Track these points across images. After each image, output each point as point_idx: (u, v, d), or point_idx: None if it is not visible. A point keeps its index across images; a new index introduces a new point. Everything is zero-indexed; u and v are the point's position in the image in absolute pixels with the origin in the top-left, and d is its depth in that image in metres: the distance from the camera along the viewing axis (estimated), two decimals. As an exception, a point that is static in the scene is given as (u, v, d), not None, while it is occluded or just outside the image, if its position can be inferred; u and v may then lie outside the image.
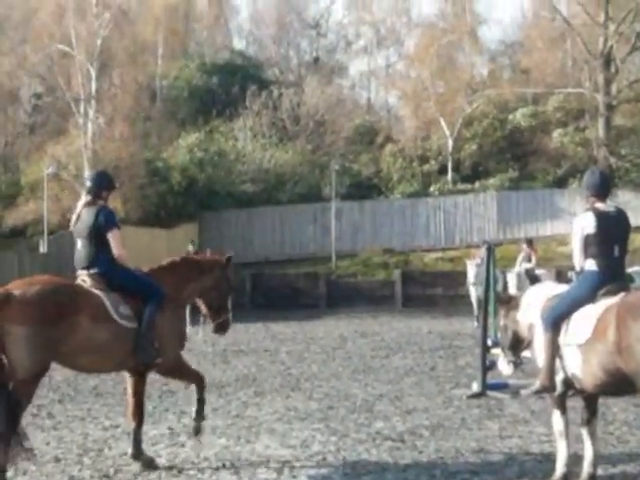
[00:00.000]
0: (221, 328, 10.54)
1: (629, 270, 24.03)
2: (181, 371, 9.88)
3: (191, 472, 9.29)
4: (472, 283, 26.77)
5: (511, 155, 49.37)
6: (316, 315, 32.65)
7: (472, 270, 26.94)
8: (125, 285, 9.30)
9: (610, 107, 46.86)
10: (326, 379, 16.11)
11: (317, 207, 45.37)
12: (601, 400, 9.16)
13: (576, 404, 8.97)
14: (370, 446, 10.45)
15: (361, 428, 11.51)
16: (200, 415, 9.97)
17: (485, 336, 14.24)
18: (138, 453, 9.53)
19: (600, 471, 8.76)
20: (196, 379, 9.99)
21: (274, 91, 50.76)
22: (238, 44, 67.65)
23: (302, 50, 67.80)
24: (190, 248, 27.50)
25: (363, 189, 48.18)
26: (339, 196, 44.09)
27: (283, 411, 12.78)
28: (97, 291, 9.09)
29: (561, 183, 46.18)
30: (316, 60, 65.69)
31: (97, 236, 9.27)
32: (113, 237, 9.28)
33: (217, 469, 9.40)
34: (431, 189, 47.61)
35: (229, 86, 53.21)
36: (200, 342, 22.30)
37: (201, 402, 9.95)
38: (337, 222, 42.77)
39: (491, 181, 47.34)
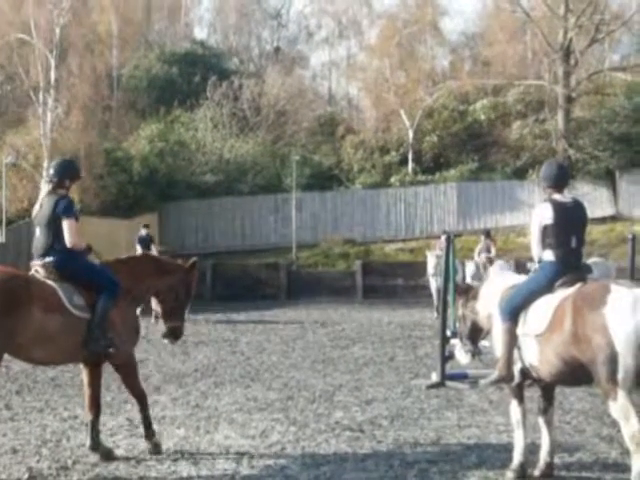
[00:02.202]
0: (172, 334, 10.30)
1: (588, 261, 24.30)
2: (133, 374, 9.72)
3: (149, 463, 9.27)
4: (432, 274, 26.91)
5: (471, 146, 49.55)
6: (276, 306, 32.62)
7: (432, 261, 27.08)
8: (79, 275, 9.22)
9: (569, 99, 47.20)
10: (286, 369, 16.12)
11: (278, 198, 45.32)
12: (558, 390, 9.24)
13: (534, 394, 9.03)
14: (329, 436, 10.47)
15: (320, 418, 11.53)
16: (150, 432, 9.73)
17: (444, 326, 14.30)
18: (96, 444, 9.47)
19: (557, 460, 8.84)
20: (139, 395, 9.76)
21: (235, 81, 50.49)
22: (199, 34, 67.46)
23: (263, 40, 67.75)
24: (143, 232, 27.93)
25: (324, 180, 48.19)
26: (300, 187, 44.04)
27: (242, 401, 12.78)
28: (50, 281, 9.02)
29: (520, 174, 46.40)
30: (277, 50, 65.60)
31: (54, 225, 9.18)
32: (67, 226, 9.15)
33: (176, 460, 9.38)
34: (391, 180, 47.69)
35: (190, 76, 52.92)
36: (159, 334, 22.24)
37: (147, 419, 9.74)
38: (298, 213, 42.74)
39: (451, 172, 47.51)
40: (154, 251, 25.18)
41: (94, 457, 9.38)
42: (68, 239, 9.17)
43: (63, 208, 9.20)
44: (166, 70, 53.41)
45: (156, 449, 9.61)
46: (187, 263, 10.42)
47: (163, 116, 48.31)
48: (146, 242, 27.42)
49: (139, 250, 25.68)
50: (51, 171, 9.58)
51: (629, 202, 45.53)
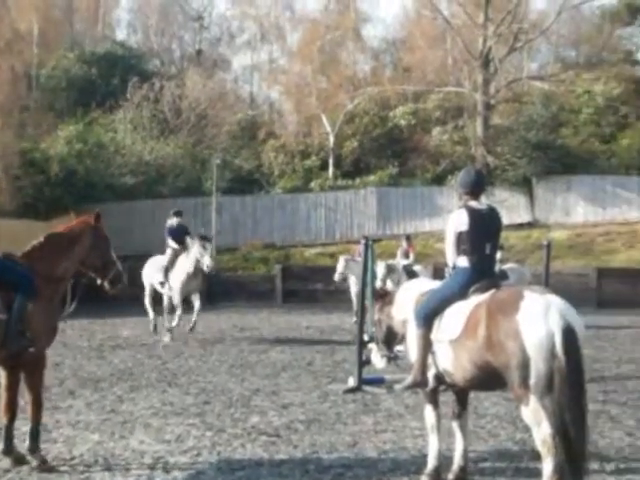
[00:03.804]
0: (116, 281, 10.23)
1: (504, 267, 24.65)
2: (39, 374, 9.39)
3: (62, 468, 9.14)
4: (338, 279, 27.87)
5: (391, 152, 49.87)
6: (195, 309, 32.41)
7: (342, 264, 27.50)
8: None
9: (488, 106, 47.83)
10: (203, 374, 16.03)
11: (198, 201, 45.04)
12: (473, 394, 9.33)
13: (449, 398, 9.10)
14: (245, 441, 10.45)
15: (237, 423, 11.50)
16: (35, 445, 9.26)
17: (362, 331, 14.35)
18: (9, 449, 9.31)
19: (471, 464, 8.92)
20: (37, 397, 9.36)
21: (155, 83, 50.10)
22: (120, 34, 66.85)
23: (185, 42, 67.36)
24: (174, 222, 24.36)
25: (244, 183, 48.14)
26: (220, 190, 43.88)
27: (159, 406, 12.68)
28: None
29: (440, 180, 46.83)
30: (199, 53, 65.31)
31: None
32: None
33: (89, 465, 9.27)
34: (312, 184, 47.81)
35: (109, 77, 52.40)
36: (76, 337, 22.04)
37: (36, 429, 9.29)
38: (218, 216, 42.55)
39: (371, 177, 47.76)
40: (197, 249, 21.61)
41: (7, 462, 9.21)
42: None
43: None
44: (85, 70, 52.82)
45: (42, 466, 9.14)
46: (91, 217, 10.17)
47: (82, 117, 47.71)
48: (181, 233, 22.59)
49: (173, 245, 22.53)
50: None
51: (546, 209, 46.22)
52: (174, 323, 21.84)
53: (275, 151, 50.01)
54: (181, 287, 21.83)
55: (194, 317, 22.03)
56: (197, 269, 21.67)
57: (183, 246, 22.18)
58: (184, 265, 21.84)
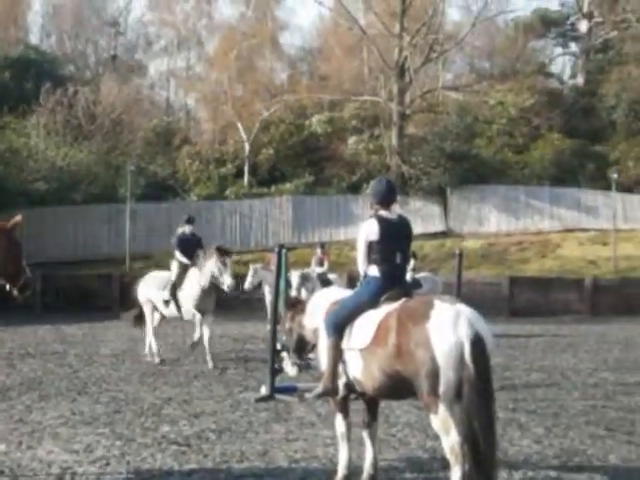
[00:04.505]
0: (25, 288, 10.00)
1: (418, 276, 24.86)
2: None
3: (-34, 480, 8.99)
4: (247, 288, 27.93)
5: (307, 160, 50.06)
6: (109, 317, 32.02)
7: (251, 273, 27.57)
8: None
9: (403, 116, 48.27)
10: (114, 383, 15.85)
11: (112, 208, 44.69)
12: (385, 403, 9.35)
13: (360, 407, 9.12)
14: (155, 450, 10.34)
15: (147, 432, 11.38)
16: None
17: (274, 340, 14.33)
18: None
19: (381, 473, 8.94)
20: None
21: (70, 88, 49.51)
22: (33, 38, 65.91)
23: (100, 47, 66.69)
24: (186, 230, 22.79)
25: (159, 190, 47.89)
26: (134, 197, 43.55)
27: (68, 415, 12.50)
28: None
29: (355, 189, 47.09)
30: (114, 58, 64.74)
31: None
32: None
33: (-5, 476, 9.12)
34: (227, 192, 47.78)
35: (22, 81, 51.66)
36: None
37: None
38: (132, 223, 42.22)
39: (287, 186, 47.87)
40: (214, 264, 18.21)
41: None
42: None
43: None
44: (-3, 74, 52.00)
45: None
46: (6, 222, 9.96)
47: (-7, 121, 46.96)
48: (193, 245, 19.20)
49: (181, 259, 19.09)
50: None
51: (459, 218, 46.80)
52: (195, 338, 19.33)
53: (190, 158, 49.85)
54: (195, 304, 18.48)
55: (206, 347, 18.57)
56: (212, 285, 18.32)
57: (193, 261, 18.86)
58: (196, 278, 18.47)
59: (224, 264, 18.06)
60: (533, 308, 34.25)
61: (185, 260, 18.95)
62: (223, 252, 18.34)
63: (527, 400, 14.07)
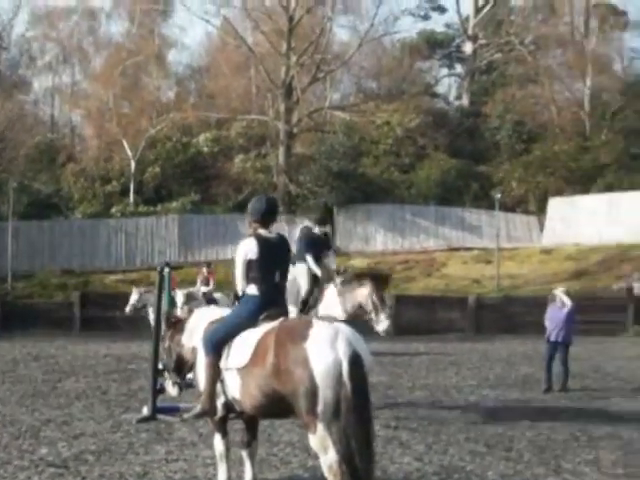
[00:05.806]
0: None
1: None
2: None
3: None
4: (129, 310, 27.82)
5: (193, 179, 49.86)
6: (-11, 338, 31.42)
7: (135, 297, 27.50)
8: None
9: (290, 135, 48.48)
10: (-8, 404, 15.49)
11: (-7, 225, 43.84)
12: (267, 422, 9.31)
13: (241, 426, 9.07)
14: (32, 473, 10.10)
15: (24, 454, 11.12)
16: None
17: (156, 359, 14.17)
18: None
19: (260, 492, 8.92)
20: None
21: (-50, 103, 48.52)
22: None
23: (-18, 63, 65.37)
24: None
25: (42, 208, 47.11)
26: (17, 215, 42.76)
27: (-61, 440, 12.16)
28: None
29: (242, 208, 46.45)
30: (-3, 74, 63.50)
31: None
32: None
33: None
34: (112, 210, 47.28)
35: None
36: None
37: None
38: (14, 241, 41.42)
39: (173, 204, 47.60)
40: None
41: None
42: None
43: None
44: None
45: None
46: None
47: None
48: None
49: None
50: None
51: (346, 237, 47.10)
52: None
53: (75, 175, 49.20)
54: None
55: None
56: None
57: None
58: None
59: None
60: (418, 326, 34.53)
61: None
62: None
63: (409, 418, 14.16)
